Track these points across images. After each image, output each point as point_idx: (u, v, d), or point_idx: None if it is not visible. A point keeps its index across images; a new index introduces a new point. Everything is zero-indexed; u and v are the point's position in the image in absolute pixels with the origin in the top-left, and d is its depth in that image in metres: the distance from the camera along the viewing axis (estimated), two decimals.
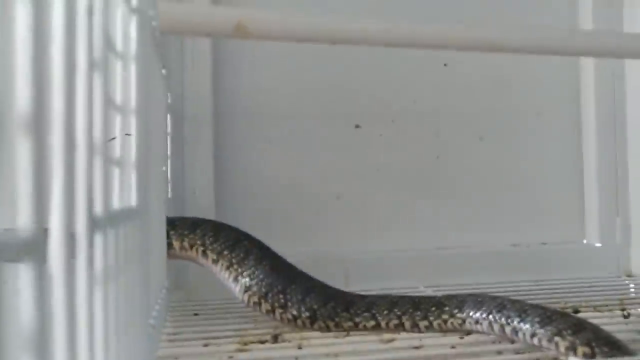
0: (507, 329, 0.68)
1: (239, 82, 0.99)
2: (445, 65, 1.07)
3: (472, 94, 1.08)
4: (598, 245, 1.11)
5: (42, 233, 0.19)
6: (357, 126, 1.04)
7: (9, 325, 0.19)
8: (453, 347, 0.67)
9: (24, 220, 0.19)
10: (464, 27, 0.72)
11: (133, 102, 0.44)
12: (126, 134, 0.44)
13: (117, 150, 0.42)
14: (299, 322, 0.73)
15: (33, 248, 0.19)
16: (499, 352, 0.65)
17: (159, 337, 0.67)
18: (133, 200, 0.45)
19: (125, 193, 0.43)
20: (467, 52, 0.99)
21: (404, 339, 0.70)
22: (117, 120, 0.42)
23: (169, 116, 0.88)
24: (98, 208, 0.31)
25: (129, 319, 0.42)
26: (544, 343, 0.64)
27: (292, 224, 1.00)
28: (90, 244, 0.28)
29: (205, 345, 0.66)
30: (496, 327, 0.69)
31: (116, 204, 0.42)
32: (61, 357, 0.24)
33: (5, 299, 0.17)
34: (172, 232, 0.77)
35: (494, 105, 1.10)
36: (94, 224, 0.29)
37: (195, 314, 0.80)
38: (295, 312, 0.73)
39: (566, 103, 1.13)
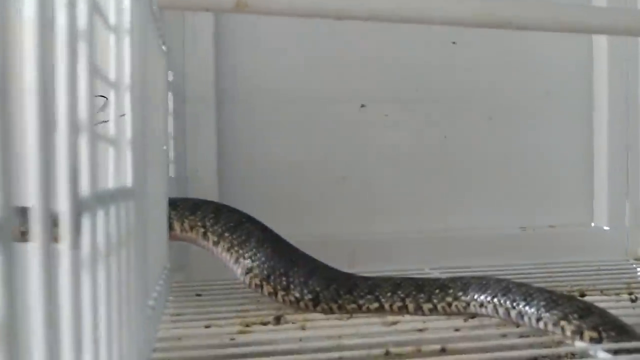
0: (512, 313, 0.67)
1: (242, 60, 0.98)
2: (453, 43, 1.05)
3: (481, 72, 1.06)
4: (606, 228, 1.10)
5: (13, 211, 0.18)
6: (362, 106, 1.02)
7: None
8: (457, 330, 0.66)
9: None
10: (474, 2, 0.70)
11: (127, 77, 0.43)
12: (120, 115, 0.42)
13: (111, 128, 0.41)
14: (302, 304, 0.72)
15: (2, 227, 0.18)
16: (504, 336, 0.64)
17: (160, 317, 0.66)
18: (129, 180, 0.44)
19: (120, 173, 0.42)
20: (476, 30, 0.97)
21: (408, 321, 0.69)
22: (111, 97, 0.41)
23: (170, 95, 0.86)
24: (85, 188, 0.30)
25: (124, 300, 0.41)
26: (550, 327, 0.63)
27: (297, 206, 0.99)
28: (76, 225, 0.27)
29: (207, 326, 0.66)
30: (501, 310, 0.68)
31: (110, 184, 0.41)
32: (41, 347, 0.23)
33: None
34: (173, 213, 0.76)
35: (503, 84, 1.07)
36: (80, 205, 0.28)
37: (198, 295, 0.79)
38: (297, 295, 0.72)
39: (577, 83, 1.11)
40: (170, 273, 0.78)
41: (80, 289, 0.27)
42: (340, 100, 1.01)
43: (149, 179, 0.54)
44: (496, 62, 1.07)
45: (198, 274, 0.88)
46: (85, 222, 0.30)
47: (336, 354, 0.57)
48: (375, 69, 1.02)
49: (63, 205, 0.26)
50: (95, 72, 0.29)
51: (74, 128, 0.26)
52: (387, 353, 0.58)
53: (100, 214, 0.32)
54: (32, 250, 0.22)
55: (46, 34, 0.22)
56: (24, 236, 0.23)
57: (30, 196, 0.22)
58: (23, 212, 0.21)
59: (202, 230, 0.75)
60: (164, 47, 0.74)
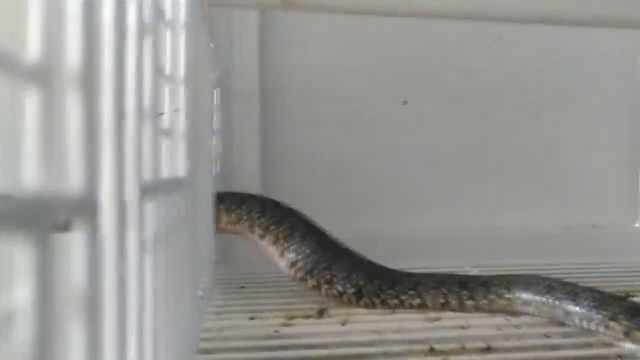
0: (558, 312, 0.66)
1: (287, 57, 0.99)
2: (499, 38, 1.04)
3: (525, 68, 1.05)
4: None
5: (93, 196, 0.19)
6: (404, 102, 1.02)
7: (60, 292, 0.19)
8: (499, 328, 0.66)
9: (75, 181, 0.19)
10: None
11: (182, 72, 0.44)
12: (174, 110, 0.44)
13: (166, 120, 0.42)
14: (345, 298, 0.73)
15: (84, 211, 0.19)
16: (547, 336, 0.64)
17: (206, 309, 0.67)
18: (181, 171, 0.45)
19: (174, 163, 0.43)
20: (522, 25, 0.96)
21: (450, 318, 0.69)
22: (166, 90, 0.42)
23: (216, 90, 0.88)
24: (148, 176, 0.31)
25: (178, 288, 0.43)
26: (598, 327, 0.62)
27: (338, 201, 1.00)
28: (141, 211, 0.28)
29: (252, 318, 0.67)
30: (545, 309, 0.68)
31: (165, 174, 0.42)
32: (111, 324, 0.24)
33: (57, 265, 0.17)
34: (220, 206, 0.77)
35: (548, 81, 1.06)
36: (144, 192, 0.29)
37: (242, 287, 0.80)
38: (340, 289, 0.73)
39: (623, 80, 1.09)
40: (216, 265, 0.80)
41: (144, 275, 0.28)
42: (382, 97, 1.01)
43: (198, 172, 0.55)
44: (541, 58, 1.06)
45: (242, 267, 0.89)
46: (148, 209, 0.31)
47: (380, 349, 0.58)
48: (419, 65, 1.02)
49: (129, 192, 0.27)
50: (158, 68, 0.30)
51: (141, 119, 0.27)
52: (432, 349, 0.58)
53: (161, 202, 0.33)
54: (103, 239, 0.23)
55: (120, 32, 0.22)
56: (66, 226, 0.24)
57: (102, 184, 0.23)
58: (67, 201, 0.22)
59: (248, 223, 0.76)
60: (211, 44, 0.75)
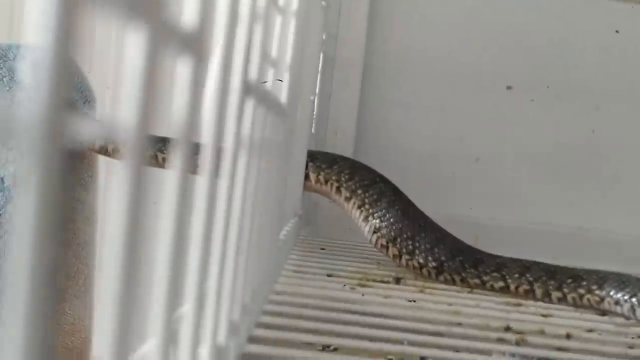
0: None
1: (393, 31, 0.98)
2: (617, 32, 0.99)
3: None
4: None
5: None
6: (508, 87, 0.99)
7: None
8: (584, 320, 0.63)
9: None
10: None
11: (288, 58, 0.44)
12: (278, 79, 0.44)
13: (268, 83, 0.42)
14: (424, 270, 0.72)
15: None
16: (638, 337, 0.60)
17: (287, 256, 0.68)
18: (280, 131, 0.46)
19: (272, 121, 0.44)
20: None
21: (532, 306, 0.67)
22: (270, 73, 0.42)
23: (321, 54, 0.89)
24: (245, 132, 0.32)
25: (264, 224, 0.43)
26: None
27: (426, 181, 0.98)
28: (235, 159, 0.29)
29: (329, 275, 0.67)
30: (639, 311, 0.64)
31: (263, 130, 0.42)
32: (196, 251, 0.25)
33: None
34: (310, 164, 0.77)
35: None
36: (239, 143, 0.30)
37: (322, 249, 0.81)
38: (422, 260, 0.72)
39: None
40: (299, 223, 0.81)
41: (232, 207, 0.29)
42: (486, 80, 0.99)
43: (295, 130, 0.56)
44: None
45: (324, 230, 0.90)
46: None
47: (454, 319, 0.57)
48: (527, 51, 0.99)
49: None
50: (265, 55, 0.31)
51: (246, 88, 0.28)
52: (508, 327, 0.56)
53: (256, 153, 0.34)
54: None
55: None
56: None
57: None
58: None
59: (336, 184, 0.76)
60: (323, 3, 0.76)
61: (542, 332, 0.56)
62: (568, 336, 0.56)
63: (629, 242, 0.98)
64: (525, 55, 0.99)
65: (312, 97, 0.79)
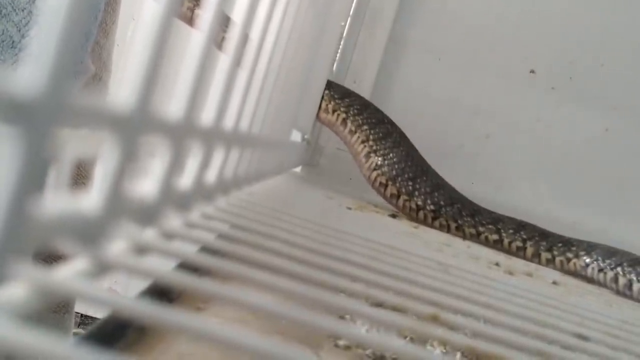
0: (635, 287, 0.63)
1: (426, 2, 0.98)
2: None
3: None
4: None
5: None
6: (531, 71, 0.99)
7: None
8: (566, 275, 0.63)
9: None
10: None
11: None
12: None
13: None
14: (421, 214, 0.72)
15: None
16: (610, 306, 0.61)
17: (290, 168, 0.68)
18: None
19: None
20: None
21: (522, 262, 0.68)
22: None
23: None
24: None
25: (275, 120, 0.43)
26: None
27: (435, 149, 0.98)
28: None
29: (330, 198, 0.67)
30: (622, 281, 0.65)
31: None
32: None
33: None
34: (325, 92, 0.77)
35: None
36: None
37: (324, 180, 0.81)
38: (420, 203, 0.72)
39: None
40: (306, 148, 0.80)
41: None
42: (512, 59, 0.99)
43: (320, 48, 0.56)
44: None
45: (326, 176, 0.90)
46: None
47: (447, 250, 0.57)
48: (558, 40, 0.99)
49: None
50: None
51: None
52: (497, 264, 0.57)
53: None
54: None
55: None
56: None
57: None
58: None
59: (343, 116, 0.76)
60: None
61: (530, 275, 0.57)
62: (554, 282, 0.57)
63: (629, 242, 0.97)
64: (555, 44, 0.99)
65: (342, 23, 0.79)
